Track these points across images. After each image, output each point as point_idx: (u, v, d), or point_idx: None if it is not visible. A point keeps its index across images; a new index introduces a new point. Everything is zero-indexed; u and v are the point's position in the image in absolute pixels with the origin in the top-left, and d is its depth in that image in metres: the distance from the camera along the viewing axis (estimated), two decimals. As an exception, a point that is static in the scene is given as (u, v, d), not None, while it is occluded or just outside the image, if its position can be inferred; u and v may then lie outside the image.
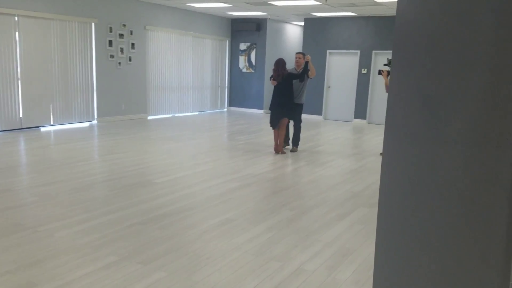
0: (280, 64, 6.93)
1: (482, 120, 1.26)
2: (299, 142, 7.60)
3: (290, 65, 14.26)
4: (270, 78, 7.09)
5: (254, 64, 13.18)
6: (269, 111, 7.23)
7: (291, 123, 7.47)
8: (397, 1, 1.48)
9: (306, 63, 6.96)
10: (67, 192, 4.66)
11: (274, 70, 6.99)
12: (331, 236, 3.74)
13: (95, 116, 9.79)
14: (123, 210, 4.17)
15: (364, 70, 11.66)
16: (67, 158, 6.20)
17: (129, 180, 5.19)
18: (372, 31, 11.43)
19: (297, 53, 7.33)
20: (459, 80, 1.30)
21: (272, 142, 7.97)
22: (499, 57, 1.20)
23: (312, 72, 7.06)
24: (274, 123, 7.13)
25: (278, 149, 7.19)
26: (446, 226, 1.44)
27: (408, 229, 1.54)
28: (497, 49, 1.20)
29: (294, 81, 7.08)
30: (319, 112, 12.48)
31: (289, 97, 7.01)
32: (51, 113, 8.92)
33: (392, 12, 10.35)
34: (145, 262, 3.11)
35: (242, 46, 13.31)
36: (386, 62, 7.46)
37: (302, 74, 6.96)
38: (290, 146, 7.60)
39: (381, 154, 7.51)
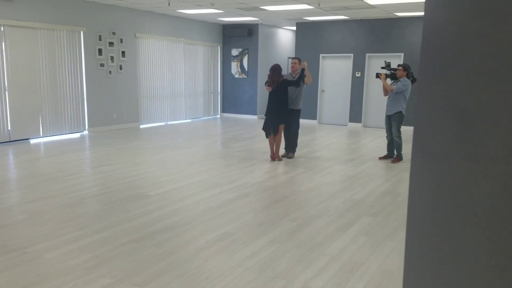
0: (276, 70, 6.79)
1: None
2: (296, 149, 7.45)
3: (284, 70, 14.06)
4: (265, 84, 6.94)
5: (246, 70, 13.04)
6: (265, 118, 7.07)
7: (288, 129, 7.30)
8: (425, 1, 1.32)
9: (303, 69, 6.83)
10: (57, 208, 4.46)
11: (269, 76, 6.84)
12: (336, 249, 3.58)
13: (86, 126, 9.57)
14: (116, 226, 3.97)
15: (358, 73, 11.56)
16: (58, 172, 5.99)
17: (122, 194, 5.00)
18: (365, 34, 11.35)
19: (292, 58, 7.21)
20: (496, 90, 1.15)
21: (268, 149, 7.81)
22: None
23: (308, 79, 6.93)
24: (268, 130, 6.95)
25: (275, 156, 7.04)
26: (483, 253, 1.28)
27: (440, 257, 1.37)
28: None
29: (289, 87, 6.95)
30: (313, 117, 12.35)
31: (284, 104, 6.87)
32: (41, 125, 8.69)
33: (386, 14, 10.26)
34: (141, 284, 2.92)
35: (234, 52, 13.17)
36: (383, 65, 7.33)
37: (298, 80, 6.83)
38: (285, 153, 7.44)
39: (380, 158, 7.38)
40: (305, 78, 6.89)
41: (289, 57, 14.37)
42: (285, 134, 7.26)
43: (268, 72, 7.08)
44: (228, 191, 5.21)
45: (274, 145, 7.05)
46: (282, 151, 7.53)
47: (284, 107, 6.89)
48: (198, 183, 5.54)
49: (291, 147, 7.34)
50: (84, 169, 6.21)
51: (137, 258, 3.31)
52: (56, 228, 3.90)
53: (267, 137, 7.04)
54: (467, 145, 1.24)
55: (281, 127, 6.98)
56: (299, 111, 7.24)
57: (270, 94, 6.91)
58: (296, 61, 7.13)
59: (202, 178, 5.83)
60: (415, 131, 1.36)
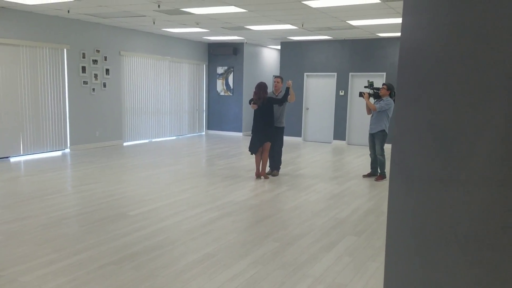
0: (261, 87, 6.82)
1: (505, 157, 1.09)
2: (280, 166, 7.43)
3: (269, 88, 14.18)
4: (250, 102, 6.95)
5: (232, 87, 13.08)
6: (250, 135, 7.05)
7: (272, 146, 7.30)
8: (402, 24, 1.31)
9: (287, 88, 6.82)
10: (34, 229, 4.33)
11: (255, 93, 6.84)
12: (320, 270, 3.53)
13: (68, 144, 9.41)
14: (95, 248, 3.86)
15: (341, 92, 11.68)
16: (37, 191, 5.84)
17: (102, 214, 4.88)
18: (348, 54, 11.51)
19: (275, 77, 7.26)
20: (476, 112, 1.14)
21: (253, 166, 7.77)
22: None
23: (292, 97, 6.95)
24: (254, 148, 6.92)
25: (261, 174, 7.00)
26: (464, 275, 1.26)
27: (421, 283, 1.34)
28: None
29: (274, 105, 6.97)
30: (298, 134, 12.39)
31: (270, 121, 6.90)
32: (21, 143, 8.52)
33: (368, 35, 10.44)
34: (118, 309, 2.82)
35: (220, 70, 13.21)
36: (366, 84, 7.43)
37: (283, 99, 6.85)
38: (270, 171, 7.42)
39: (363, 176, 7.39)
40: (289, 97, 6.90)
41: (274, 75, 14.47)
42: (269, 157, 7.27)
43: (253, 91, 7.09)
44: (211, 210, 5.13)
45: (260, 162, 7.02)
46: (267, 169, 7.49)
47: (270, 124, 6.90)
48: (180, 202, 5.46)
49: (275, 165, 7.33)
50: (64, 188, 6.07)
51: (115, 282, 3.21)
52: (32, 250, 3.77)
53: (252, 154, 6.99)
54: (447, 168, 1.23)
55: (267, 145, 6.96)
56: (283, 128, 7.28)
57: (256, 112, 6.91)
58: (279, 80, 7.18)
59: (185, 196, 5.74)
60: (393, 152, 1.34)
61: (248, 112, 12.93)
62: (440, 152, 1.25)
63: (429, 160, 1.27)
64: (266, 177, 7.01)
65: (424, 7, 1.24)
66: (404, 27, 1.29)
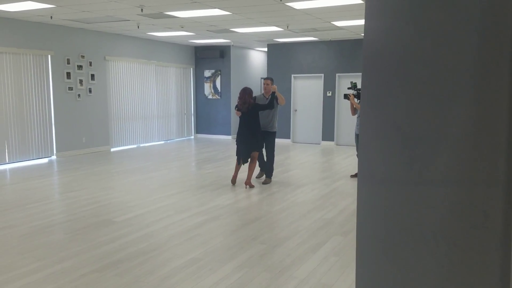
0: (246, 92, 6.47)
1: (468, 157, 1.09)
2: (272, 173, 7.09)
3: (256, 91, 14.19)
4: (235, 108, 6.63)
5: (219, 91, 13.06)
6: (236, 144, 6.66)
7: (264, 152, 7.04)
8: (364, 27, 1.31)
9: (273, 93, 6.59)
10: (17, 238, 4.27)
11: (240, 98, 6.50)
12: (305, 271, 3.52)
13: (54, 151, 9.32)
14: (78, 256, 3.82)
15: (329, 93, 11.73)
16: (21, 199, 5.77)
17: (87, 221, 4.83)
18: (334, 55, 11.56)
19: (265, 79, 6.94)
20: (439, 114, 1.14)
21: (241, 170, 7.74)
22: (484, 86, 1.04)
23: (281, 100, 6.73)
24: (240, 156, 6.58)
25: (247, 183, 6.56)
26: (434, 275, 1.26)
27: (391, 281, 1.34)
28: (480, 77, 1.05)
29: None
30: (287, 136, 12.40)
31: (257, 129, 6.55)
32: (6, 151, 8.41)
33: (353, 35, 10.50)
34: (101, 318, 2.78)
35: (207, 73, 13.19)
36: (349, 86, 7.44)
37: (271, 103, 6.55)
38: (262, 176, 7.27)
39: (351, 176, 7.42)
40: (278, 99, 6.72)
41: (262, 78, 14.49)
42: (259, 158, 6.92)
43: (237, 96, 6.81)
44: (197, 215, 5.11)
45: (238, 170, 6.70)
46: (255, 175, 7.45)
47: (257, 132, 6.55)
48: (167, 207, 5.42)
49: (268, 172, 6.97)
50: (49, 195, 6.00)
51: (99, 289, 3.17)
52: (14, 260, 3.72)
53: (238, 163, 6.63)
54: (412, 169, 1.23)
55: (255, 154, 6.65)
56: (274, 133, 6.92)
57: (241, 119, 6.58)
58: (269, 81, 6.87)
59: (172, 201, 5.71)
60: (360, 154, 1.34)
61: (236, 116, 12.91)
62: (405, 153, 1.25)
63: (394, 161, 1.27)
64: (251, 186, 6.58)
65: (385, 11, 1.25)
66: (367, 30, 1.29)
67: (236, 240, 4.26)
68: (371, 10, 1.34)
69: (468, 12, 1.13)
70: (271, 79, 6.95)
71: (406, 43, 1.27)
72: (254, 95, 6.75)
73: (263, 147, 6.81)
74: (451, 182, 1.20)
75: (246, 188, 6.56)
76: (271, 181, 7.01)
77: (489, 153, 1.14)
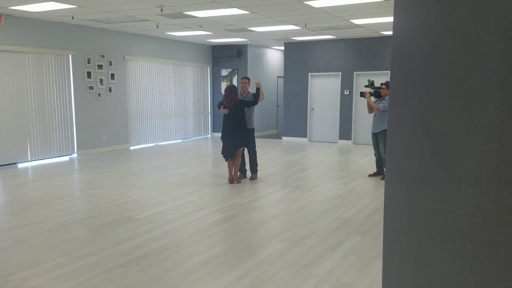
0: (232, 91, 6.59)
1: (497, 155, 1.09)
2: (257, 168, 7.20)
3: (272, 90, 14.17)
4: (219, 106, 6.72)
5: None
6: (222, 141, 6.78)
7: (245, 150, 7.13)
8: (393, 23, 1.32)
9: (258, 89, 6.70)
10: (42, 234, 4.37)
11: (225, 97, 6.60)
12: (325, 269, 3.53)
13: (75, 149, 9.49)
14: (101, 252, 3.90)
15: (346, 91, 11.66)
16: (44, 196, 5.90)
17: (109, 217, 4.92)
18: (352, 53, 11.49)
19: (242, 78, 7.03)
20: (467, 112, 1.14)
21: (261, 167, 7.77)
22: (511, 84, 1.05)
23: (261, 97, 6.83)
24: (228, 154, 6.69)
25: (234, 179, 6.74)
26: (462, 275, 1.26)
27: (418, 280, 1.35)
28: (508, 75, 1.05)
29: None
30: (303, 135, 12.38)
31: (243, 125, 6.72)
32: (29, 148, 8.60)
33: (371, 33, 10.42)
34: (125, 312, 2.84)
35: (224, 72, 13.25)
36: (367, 84, 7.41)
37: (255, 100, 6.72)
38: (244, 174, 7.24)
39: (369, 175, 7.38)
40: (260, 96, 6.78)
41: (278, 76, 14.49)
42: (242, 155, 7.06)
43: (222, 94, 6.92)
44: (216, 212, 5.15)
45: (232, 166, 6.79)
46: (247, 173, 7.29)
47: (243, 129, 6.73)
48: (186, 205, 5.48)
49: (252, 167, 7.09)
50: (71, 193, 6.13)
51: (121, 285, 3.23)
52: (40, 255, 3.82)
53: (226, 160, 6.78)
54: (441, 167, 1.23)
55: (241, 149, 6.81)
56: (253, 130, 7.03)
57: (226, 116, 6.68)
58: (246, 81, 6.97)
59: (191, 199, 5.77)
60: (388, 152, 1.35)
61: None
62: (433, 152, 1.26)
63: (423, 159, 1.27)
64: (238, 181, 6.76)
65: (415, 7, 1.25)
66: (395, 26, 1.30)
67: (255, 238, 4.29)
68: (400, 6, 1.35)
69: (496, 11, 1.13)
70: (248, 78, 7.05)
71: (434, 41, 1.27)
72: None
73: (247, 144, 6.89)
74: (479, 181, 1.20)
75: (234, 183, 6.73)
76: (257, 177, 7.13)
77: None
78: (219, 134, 13.54)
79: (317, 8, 7.17)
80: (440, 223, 1.29)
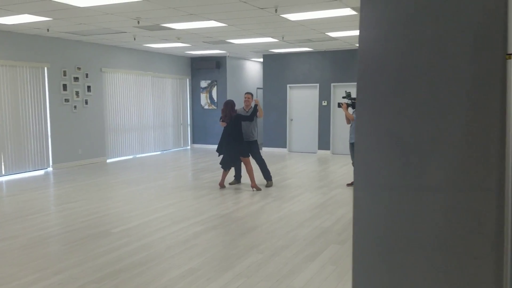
0: (229, 105, 7.07)
1: (462, 164, 1.13)
2: (271, 175, 7.52)
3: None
4: (220, 119, 7.18)
5: (216, 101, 13.12)
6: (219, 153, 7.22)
7: (253, 161, 7.54)
8: (359, 37, 1.36)
9: (256, 105, 7.16)
10: (16, 249, 4.26)
11: (223, 111, 7.09)
12: (303, 280, 3.54)
13: (50, 163, 9.31)
14: (76, 267, 3.82)
15: (324, 102, 11.81)
16: (19, 211, 5.76)
17: (85, 232, 4.83)
18: (329, 65, 11.67)
19: (246, 93, 7.50)
20: (434, 122, 1.18)
21: (242, 180, 7.77)
22: (477, 95, 1.09)
23: (260, 113, 7.25)
24: (227, 164, 7.11)
25: (253, 186, 7.04)
26: (430, 281, 1.29)
27: (384, 283, 1.37)
28: (474, 87, 1.09)
29: (244, 122, 7.22)
30: (283, 145, 12.45)
31: (239, 137, 7.06)
32: (3, 162, 8.39)
33: (347, 46, 10.62)
34: (100, 328, 2.79)
35: (203, 84, 13.26)
36: (344, 95, 7.58)
37: (252, 115, 7.16)
38: (232, 182, 7.60)
39: (347, 185, 7.46)
40: (258, 113, 7.21)
41: (257, 88, 14.58)
42: (236, 170, 7.50)
43: (221, 108, 7.38)
44: (195, 224, 5.12)
45: (226, 175, 7.22)
46: (263, 181, 7.48)
47: (239, 140, 7.06)
48: (165, 217, 5.43)
49: (266, 175, 7.42)
50: (47, 207, 5.99)
51: (98, 300, 3.17)
52: (14, 271, 3.71)
53: (225, 170, 7.16)
54: (408, 176, 1.27)
55: (245, 159, 7.10)
56: (256, 141, 7.46)
57: (224, 129, 7.14)
58: (250, 96, 7.47)
59: (169, 211, 5.72)
60: (356, 162, 1.38)
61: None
62: (401, 160, 1.29)
63: (391, 168, 1.31)
64: (258, 189, 7.08)
65: (380, 21, 1.29)
66: (361, 40, 1.34)
67: (234, 249, 4.27)
68: (365, 20, 1.38)
69: (462, 23, 1.18)
70: (251, 94, 7.56)
71: (401, 53, 1.31)
72: (236, 107, 7.29)
73: (248, 156, 7.22)
74: (446, 189, 1.23)
75: (253, 190, 7.05)
76: (272, 183, 7.52)
77: (482, 160, 1.17)
78: (200, 146, 13.51)
79: (293, 21, 7.28)
80: (408, 230, 1.33)
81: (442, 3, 1.18)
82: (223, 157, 7.15)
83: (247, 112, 7.34)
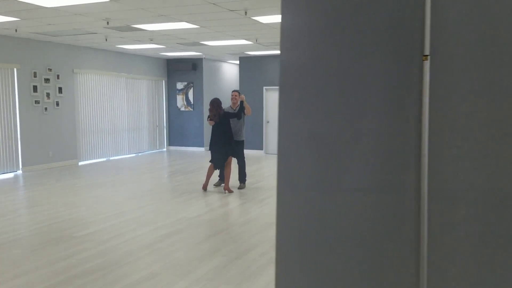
0: (215, 104, 6.98)
1: (380, 166, 1.14)
2: (246, 178, 7.52)
3: (227, 103, 14.24)
4: (208, 118, 7.08)
5: (192, 103, 13.06)
6: (209, 151, 7.13)
7: (234, 161, 7.47)
8: (280, 44, 1.37)
9: (241, 102, 7.03)
10: (-29, 256, 4.14)
11: (210, 110, 7.00)
12: (264, 281, 3.54)
13: (20, 166, 9.11)
14: (34, 272, 3.73)
15: (300, 104, 11.88)
16: (-21, 216, 5.61)
17: (46, 236, 4.73)
18: (305, 67, 11.74)
19: (233, 91, 7.42)
20: (352, 125, 1.19)
21: (212, 181, 7.73)
22: (394, 100, 1.10)
23: (248, 111, 7.16)
24: (218, 163, 7.02)
25: (225, 188, 7.03)
26: (349, 277, 1.30)
27: (310, 284, 1.38)
28: (391, 91, 1.10)
29: (232, 119, 7.15)
30: (260, 147, 12.46)
31: (229, 135, 7.01)
32: (-32, 166, 8.18)
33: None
34: (50, 335, 2.73)
35: (179, 85, 13.18)
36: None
37: (239, 112, 7.04)
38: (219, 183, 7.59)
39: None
40: (245, 110, 7.11)
41: (233, 90, 14.57)
42: (220, 170, 7.43)
43: (208, 108, 7.28)
44: (161, 228, 5.07)
45: (211, 175, 7.13)
46: (236, 183, 7.47)
47: (229, 138, 7.02)
48: (130, 221, 5.36)
49: (241, 177, 7.41)
50: (11, 211, 5.86)
51: (51, 306, 3.10)
52: (-35, 279, 3.61)
53: (217, 169, 7.11)
54: (328, 177, 1.27)
55: (230, 159, 7.09)
56: (243, 142, 7.41)
57: (214, 128, 7.05)
58: (236, 94, 7.35)
59: (137, 215, 5.65)
60: (278, 164, 1.38)
61: (209, 127, 12.92)
62: (320, 163, 1.30)
63: (311, 170, 1.31)
64: (230, 191, 7.04)
65: (300, 28, 1.30)
66: (282, 47, 1.34)
67: (198, 253, 4.24)
68: (286, 29, 1.39)
69: (379, 28, 1.19)
70: (238, 92, 7.44)
71: (320, 57, 1.32)
72: (223, 106, 7.18)
73: (235, 154, 7.22)
74: (365, 190, 1.25)
75: (225, 193, 6.99)
76: (245, 187, 7.44)
77: (399, 163, 1.19)
78: (176, 148, 13.42)
79: (265, 24, 7.30)
80: (329, 230, 1.33)
81: (361, 8, 1.19)
82: (213, 156, 7.04)
83: (234, 110, 7.26)
